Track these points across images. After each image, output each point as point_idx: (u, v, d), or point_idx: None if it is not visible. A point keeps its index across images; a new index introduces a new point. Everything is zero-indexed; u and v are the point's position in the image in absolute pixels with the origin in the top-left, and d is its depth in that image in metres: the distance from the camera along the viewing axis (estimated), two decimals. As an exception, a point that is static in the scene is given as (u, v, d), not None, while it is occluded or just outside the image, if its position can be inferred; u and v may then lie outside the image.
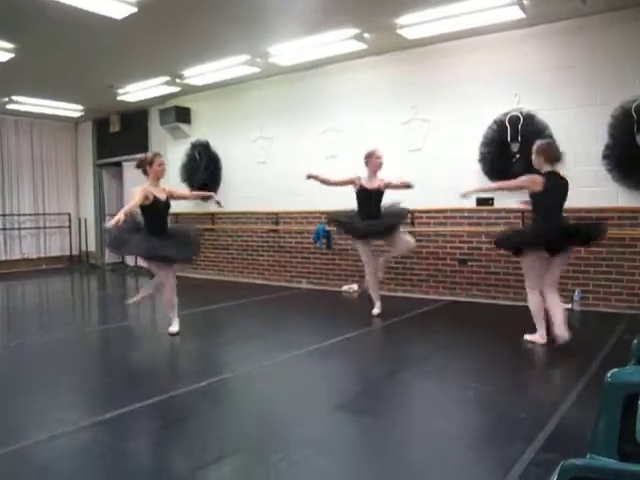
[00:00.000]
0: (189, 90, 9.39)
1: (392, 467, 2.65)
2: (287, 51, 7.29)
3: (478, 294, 6.92)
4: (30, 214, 11.84)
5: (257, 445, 2.89)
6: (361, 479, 2.56)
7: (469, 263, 6.98)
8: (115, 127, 11.40)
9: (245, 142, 9.15)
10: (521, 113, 6.45)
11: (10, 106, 10.29)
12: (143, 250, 5.15)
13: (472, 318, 6.18)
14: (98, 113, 11.35)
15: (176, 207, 9.94)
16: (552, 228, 4.61)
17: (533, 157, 4.77)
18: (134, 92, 9.43)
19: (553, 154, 4.69)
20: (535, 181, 4.62)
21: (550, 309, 4.68)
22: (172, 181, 10.16)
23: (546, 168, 4.67)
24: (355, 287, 7.64)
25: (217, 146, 9.59)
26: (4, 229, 11.44)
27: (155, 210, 5.19)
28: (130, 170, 11.71)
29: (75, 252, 12.52)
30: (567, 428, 2.98)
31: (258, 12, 5.94)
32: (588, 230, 4.80)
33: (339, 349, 4.88)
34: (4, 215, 11.44)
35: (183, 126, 9.96)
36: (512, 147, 6.50)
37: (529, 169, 6.38)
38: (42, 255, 11.98)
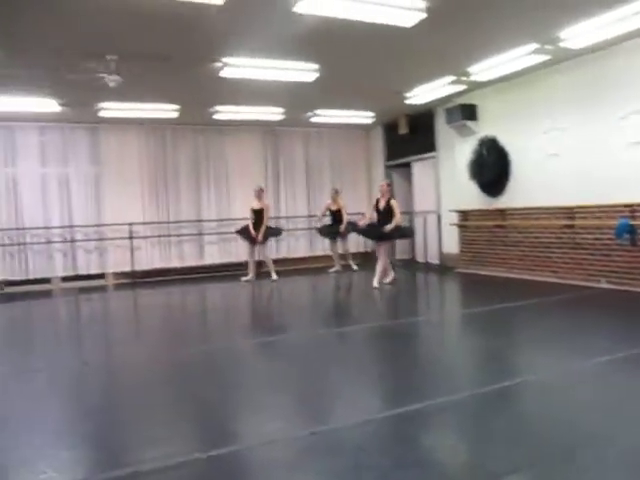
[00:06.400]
0: (474, 87, 9.34)
1: None
2: (581, 32, 6.73)
3: None
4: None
5: (557, 462, 2.74)
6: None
7: None
8: (403, 129, 11.89)
9: (535, 134, 8.75)
10: None
11: (313, 119, 11.59)
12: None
13: None
14: (387, 117, 12.02)
15: (460, 204, 10.02)
16: None
17: None
18: (421, 95, 9.74)
19: None
20: None
21: None
22: (459, 178, 10.25)
23: None
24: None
25: (505, 140, 9.35)
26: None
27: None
28: (419, 169, 12.15)
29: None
30: None
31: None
32: None
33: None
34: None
35: (469, 123, 9.95)
36: None
37: None
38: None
